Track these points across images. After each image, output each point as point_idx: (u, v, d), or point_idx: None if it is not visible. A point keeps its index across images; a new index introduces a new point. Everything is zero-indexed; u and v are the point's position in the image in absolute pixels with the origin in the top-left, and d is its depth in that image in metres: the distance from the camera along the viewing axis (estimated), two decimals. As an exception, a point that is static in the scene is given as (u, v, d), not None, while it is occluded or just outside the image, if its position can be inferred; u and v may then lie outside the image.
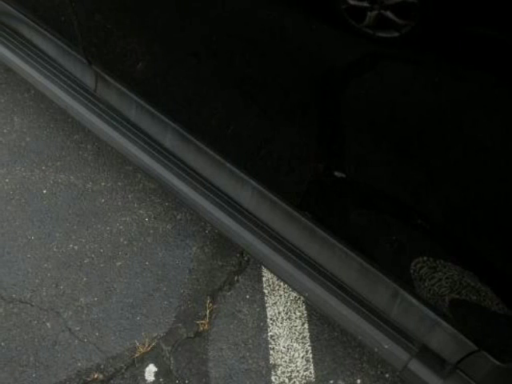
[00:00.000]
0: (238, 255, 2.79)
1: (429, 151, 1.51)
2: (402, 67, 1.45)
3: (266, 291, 2.67)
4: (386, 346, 2.05)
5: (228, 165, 2.29)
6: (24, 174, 3.11)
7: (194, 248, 2.82)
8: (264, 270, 2.72)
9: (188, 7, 1.91)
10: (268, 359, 2.48)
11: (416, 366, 2.00)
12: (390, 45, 1.41)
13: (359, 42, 1.47)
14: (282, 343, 2.52)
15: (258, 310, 2.61)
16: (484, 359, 1.78)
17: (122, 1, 2.20)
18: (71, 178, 3.09)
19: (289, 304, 2.62)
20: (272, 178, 2.10)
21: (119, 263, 2.77)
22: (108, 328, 2.57)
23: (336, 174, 1.81)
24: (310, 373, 2.44)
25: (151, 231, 2.88)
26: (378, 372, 2.43)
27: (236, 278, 2.72)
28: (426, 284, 1.77)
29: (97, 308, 2.63)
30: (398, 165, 1.62)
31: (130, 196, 3.02)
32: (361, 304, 2.11)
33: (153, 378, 2.45)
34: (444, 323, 1.85)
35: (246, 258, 2.77)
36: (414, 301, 1.90)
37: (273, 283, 2.68)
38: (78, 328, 2.57)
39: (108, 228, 2.90)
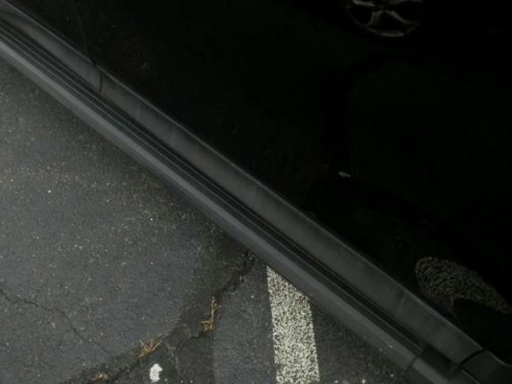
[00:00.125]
0: (242, 255, 2.79)
1: (434, 151, 1.51)
2: (406, 67, 1.45)
3: (270, 291, 2.67)
4: (391, 346, 2.04)
5: (233, 165, 2.29)
6: (29, 173, 3.11)
7: (199, 248, 2.82)
8: (269, 269, 2.72)
9: (193, 7, 1.92)
10: (273, 359, 2.48)
11: (421, 366, 2.00)
12: (395, 45, 1.41)
13: (364, 42, 1.47)
14: (286, 343, 2.52)
15: (262, 309, 2.61)
16: (489, 359, 1.78)
17: (127, 1, 2.20)
18: (76, 177, 3.10)
19: (294, 304, 2.62)
20: (277, 178, 2.10)
21: (124, 263, 2.77)
22: (113, 328, 2.58)
23: (341, 173, 1.81)
24: (315, 373, 2.44)
25: (156, 231, 2.88)
26: (383, 372, 2.43)
27: (241, 277, 2.72)
28: (430, 284, 1.76)
29: (102, 308, 2.64)
30: (403, 165, 1.62)
31: (134, 196, 3.02)
32: (366, 304, 2.11)
33: (157, 378, 2.45)
34: (449, 323, 1.84)
35: (250, 258, 2.77)
36: (418, 301, 1.90)
37: (278, 283, 2.68)
38: (82, 328, 2.58)
39: (113, 228, 2.90)
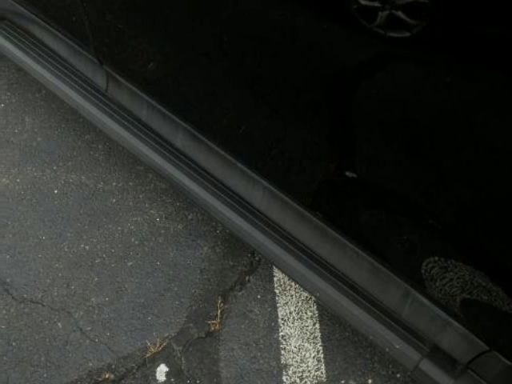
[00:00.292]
0: (249, 255, 2.79)
1: (440, 151, 1.51)
2: (413, 67, 1.45)
3: (277, 291, 2.67)
4: (397, 346, 2.04)
5: (239, 165, 2.29)
6: (35, 173, 3.12)
7: (206, 248, 2.82)
8: (275, 269, 2.72)
9: (199, 7, 1.92)
10: (279, 359, 2.48)
11: (427, 366, 2.00)
12: (401, 45, 1.41)
13: (370, 42, 1.47)
14: (293, 343, 2.52)
15: (269, 309, 2.61)
16: (495, 359, 1.78)
17: (134, 1, 2.20)
18: (82, 177, 3.10)
19: (300, 304, 2.62)
20: (283, 177, 2.10)
21: (130, 263, 2.78)
22: (119, 328, 2.58)
23: (347, 173, 1.81)
24: (322, 373, 2.44)
25: (162, 231, 2.89)
26: (390, 372, 2.42)
27: (247, 277, 2.72)
28: (437, 284, 1.76)
29: (108, 308, 2.64)
30: (410, 165, 1.62)
31: (141, 196, 3.02)
32: (372, 304, 2.11)
33: (164, 378, 2.45)
34: (455, 323, 1.84)
35: (257, 258, 2.77)
36: (425, 301, 1.90)
37: (284, 283, 2.68)
38: (89, 328, 2.58)
39: (119, 228, 2.91)
